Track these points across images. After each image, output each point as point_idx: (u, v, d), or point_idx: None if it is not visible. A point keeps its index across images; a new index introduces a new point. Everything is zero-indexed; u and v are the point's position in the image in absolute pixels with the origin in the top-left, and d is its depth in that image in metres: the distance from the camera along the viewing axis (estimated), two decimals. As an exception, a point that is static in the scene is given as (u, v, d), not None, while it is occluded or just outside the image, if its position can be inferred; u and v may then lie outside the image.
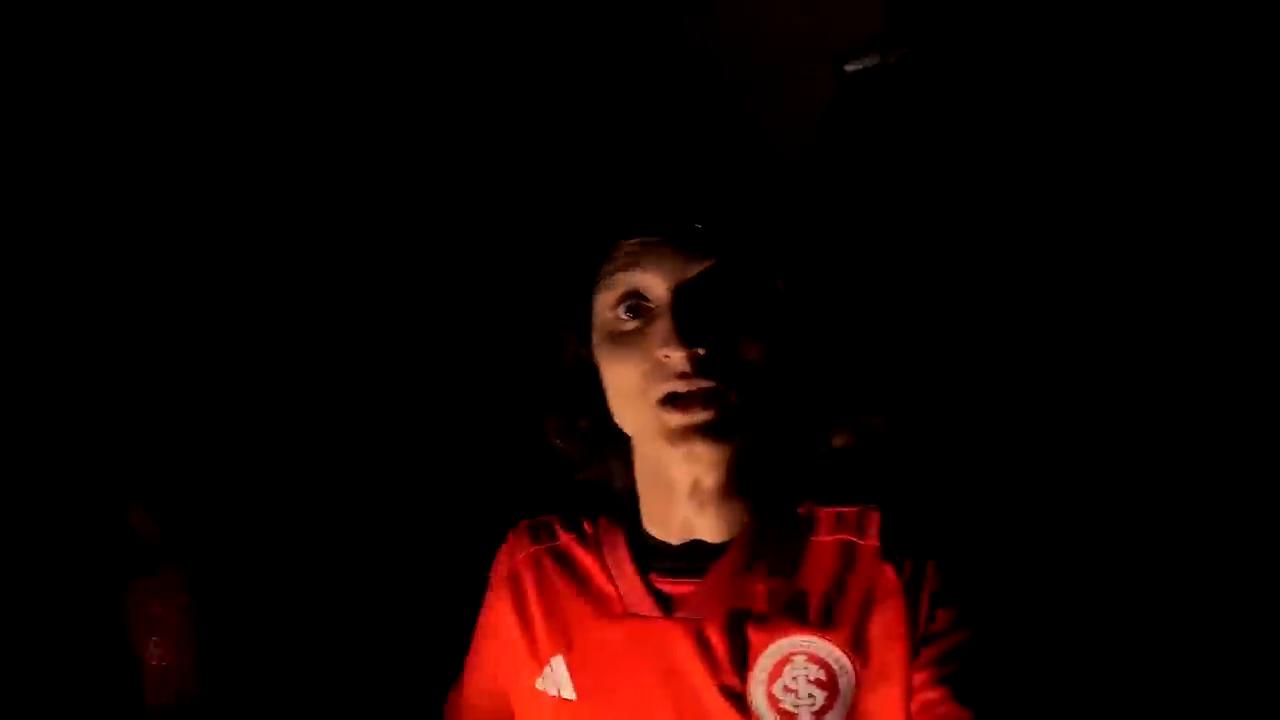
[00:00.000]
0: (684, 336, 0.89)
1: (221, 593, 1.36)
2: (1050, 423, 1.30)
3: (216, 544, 1.37)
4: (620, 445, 1.03)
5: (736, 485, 0.98)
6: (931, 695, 0.90)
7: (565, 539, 1.07)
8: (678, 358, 0.90)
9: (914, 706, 0.91)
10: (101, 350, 1.32)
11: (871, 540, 0.95)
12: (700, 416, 0.91)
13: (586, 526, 1.07)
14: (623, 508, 1.05)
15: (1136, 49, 1.28)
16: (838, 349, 0.98)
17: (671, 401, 0.91)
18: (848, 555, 0.96)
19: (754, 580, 0.97)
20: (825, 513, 0.99)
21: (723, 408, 0.91)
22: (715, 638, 0.95)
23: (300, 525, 1.41)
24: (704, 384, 0.90)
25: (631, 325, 0.94)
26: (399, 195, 1.43)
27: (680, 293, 0.91)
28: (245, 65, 1.35)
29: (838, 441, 0.99)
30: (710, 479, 0.96)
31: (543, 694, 1.01)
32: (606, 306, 0.96)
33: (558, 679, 1.00)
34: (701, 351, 0.90)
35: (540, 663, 1.02)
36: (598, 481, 1.07)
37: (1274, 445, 1.25)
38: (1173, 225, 1.29)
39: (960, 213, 1.32)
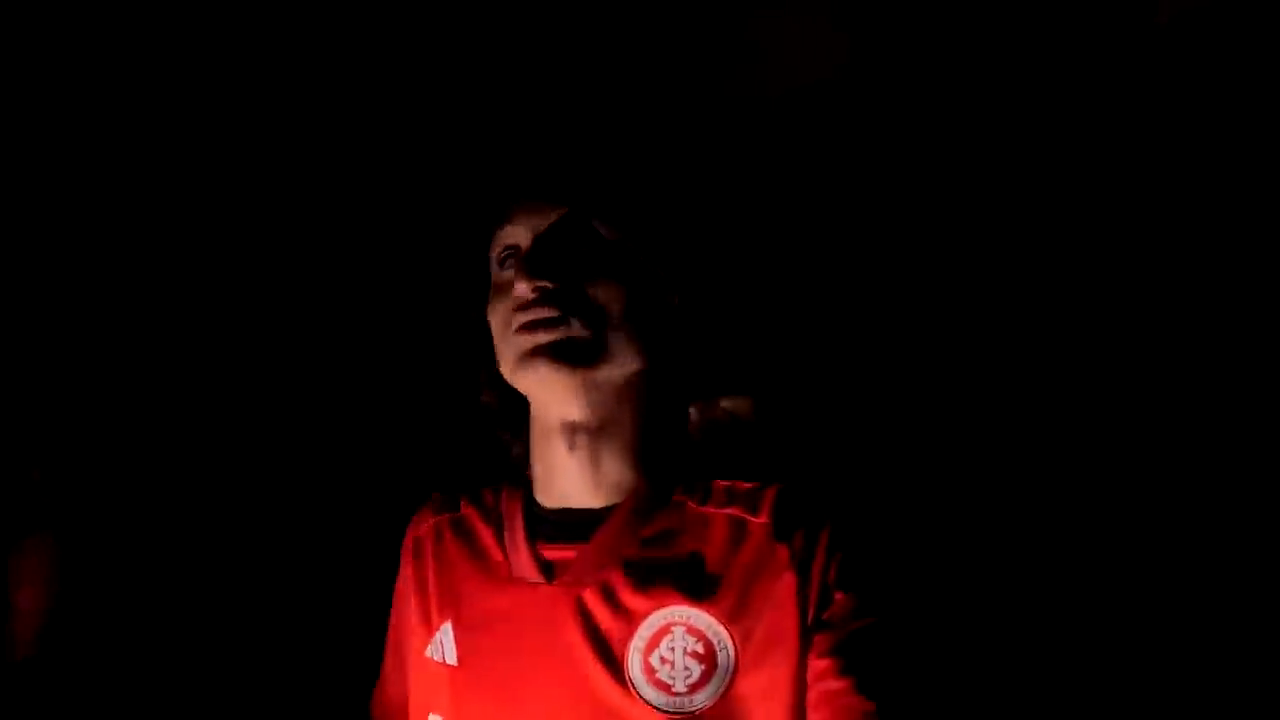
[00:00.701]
0: (530, 271, 0.93)
1: (103, 551, 1.31)
2: (969, 406, 1.28)
3: (104, 502, 1.32)
4: (520, 412, 1.03)
5: (611, 438, 0.97)
6: (834, 685, 0.87)
7: (467, 510, 1.06)
8: (523, 289, 0.93)
9: (813, 696, 0.88)
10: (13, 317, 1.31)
11: (763, 518, 0.93)
12: (543, 338, 0.92)
13: (489, 498, 1.06)
14: (524, 478, 1.04)
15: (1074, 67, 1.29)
16: (704, 327, 0.98)
17: (521, 330, 0.94)
18: (737, 530, 0.93)
19: (637, 548, 0.95)
20: (717, 486, 0.97)
21: (566, 334, 0.92)
22: (595, 605, 0.93)
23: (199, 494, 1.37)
24: (547, 312, 0.92)
25: (505, 275, 0.98)
26: (299, 166, 1.43)
27: (537, 238, 0.95)
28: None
29: (695, 419, 0.99)
30: (572, 411, 0.95)
31: (430, 661, 1.00)
32: (493, 264, 1.00)
33: (443, 645, 0.99)
34: (548, 285, 0.92)
35: (431, 630, 1.01)
36: (510, 448, 1.07)
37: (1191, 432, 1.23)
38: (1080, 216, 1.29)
39: (850, 195, 1.33)
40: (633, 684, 0.89)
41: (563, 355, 0.92)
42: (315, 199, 1.41)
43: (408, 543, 1.09)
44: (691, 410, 0.98)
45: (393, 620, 1.11)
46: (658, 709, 0.87)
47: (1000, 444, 1.25)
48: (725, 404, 0.98)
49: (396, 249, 1.42)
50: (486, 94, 1.37)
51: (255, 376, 1.39)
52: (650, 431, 0.97)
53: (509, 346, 0.95)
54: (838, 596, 0.89)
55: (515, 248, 0.97)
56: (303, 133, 1.40)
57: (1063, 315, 1.27)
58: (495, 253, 0.99)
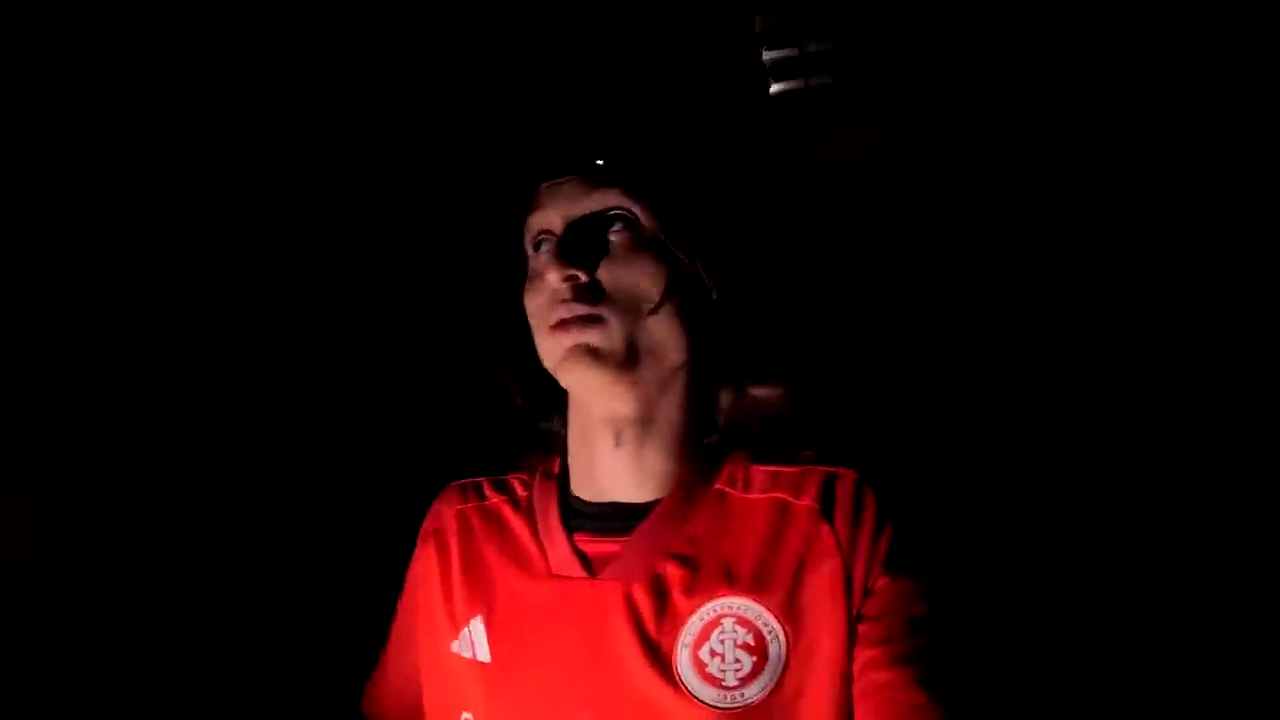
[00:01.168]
0: (564, 258, 0.90)
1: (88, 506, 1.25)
2: (1019, 395, 1.30)
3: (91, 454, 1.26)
4: (558, 395, 1.00)
5: (656, 431, 0.95)
6: (882, 676, 0.85)
7: (495, 499, 1.03)
8: (554, 279, 0.90)
9: (861, 686, 0.86)
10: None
11: (807, 500, 0.92)
12: (579, 339, 0.90)
13: (520, 489, 1.03)
14: (560, 471, 1.02)
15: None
16: (743, 318, 0.96)
17: (558, 327, 0.91)
18: (781, 515, 0.92)
19: (682, 540, 0.93)
20: (760, 471, 0.95)
21: (602, 333, 0.90)
22: (642, 600, 0.91)
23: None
24: (583, 309, 0.90)
25: (540, 260, 0.94)
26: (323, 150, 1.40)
27: (570, 225, 0.92)
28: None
29: (724, 406, 0.96)
30: (617, 407, 0.93)
31: (458, 657, 0.96)
32: (527, 247, 0.97)
33: (473, 641, 0.95)
34: (581, 276, 0.90)
35: (457, 625, 0.97)
36: (552, 432, 1.04)
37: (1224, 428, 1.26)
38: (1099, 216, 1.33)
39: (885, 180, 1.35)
40: (682, 680, 0.87)
41: (601, 356, 0.89)
42: (337, 172, 1.37)
43: (426, 531, 1.05)
44: (721, 396, 0.95)
45: (403, 611, 1.07)
46: (708, 705, 0.86)
47: (1046, 431, 1.26)
48: (756, 392, 0.95)
49: (415, 225, 1.38)
50: (522, 70, 1.34)
51: (253, 346, 1.35)
52: (693, 422, 0.95)
53: (545, 344, 0.93)
54: (884, 582, 0.88)
55: (548, 232, 0.94)
56: (327, 104, 1.36)
57: (1092, 303, 1.30)
58: (529, 238, 0.96)
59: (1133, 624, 1.21)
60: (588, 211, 0.92)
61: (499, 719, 0.93)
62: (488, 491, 1.04)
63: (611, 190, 0.92)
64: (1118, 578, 1.23)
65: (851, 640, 0.87)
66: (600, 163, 0.93)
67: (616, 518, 0.95)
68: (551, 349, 0.92)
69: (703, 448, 0.96)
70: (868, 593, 0.88)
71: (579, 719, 0.89)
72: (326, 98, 1.36)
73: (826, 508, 0.91)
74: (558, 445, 1.03)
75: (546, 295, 0.92)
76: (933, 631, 0.87)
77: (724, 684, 0.87)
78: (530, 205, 0.96)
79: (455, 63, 1.36)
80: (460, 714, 0.95)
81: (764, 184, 1.29)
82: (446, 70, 1.36)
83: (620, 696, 0.89)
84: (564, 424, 1.02)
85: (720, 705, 0.86)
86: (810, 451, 0.96)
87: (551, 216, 0.93)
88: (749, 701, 0.86)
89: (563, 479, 1.01)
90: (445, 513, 1.04)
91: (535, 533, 0.98)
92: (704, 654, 0.88)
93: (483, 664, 0.94)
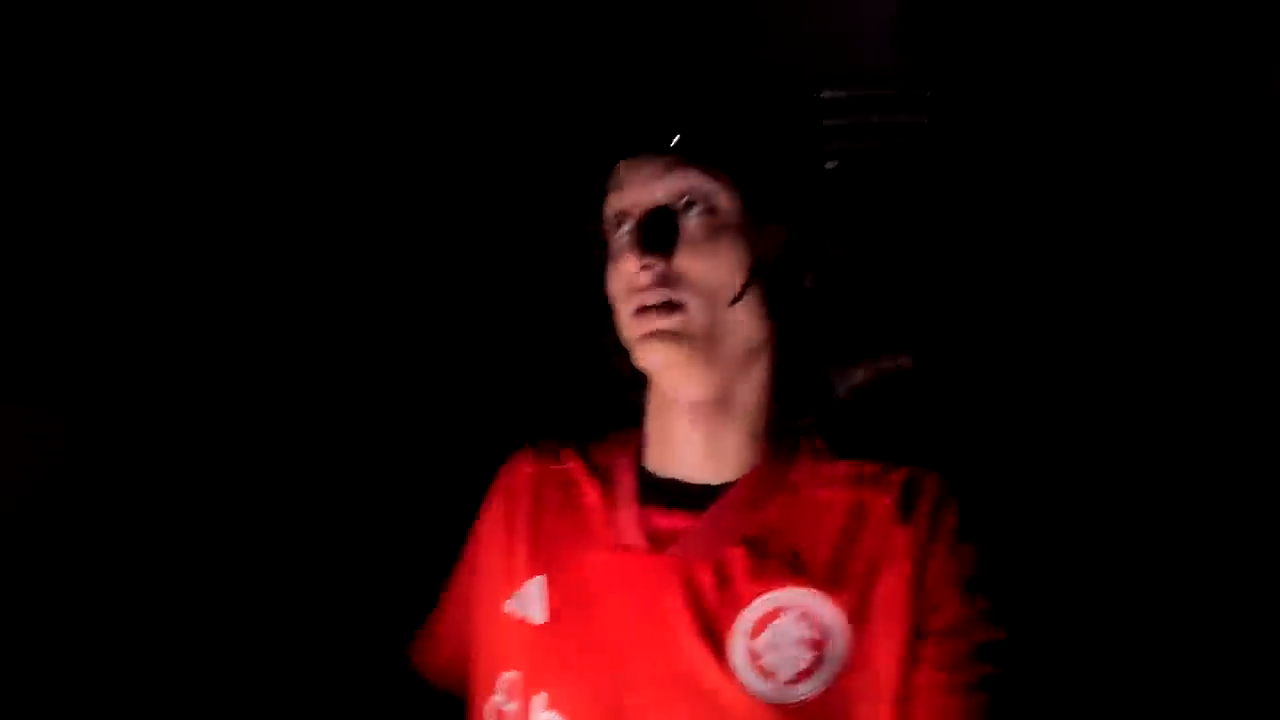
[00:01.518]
0: (644, 245, 0.89)
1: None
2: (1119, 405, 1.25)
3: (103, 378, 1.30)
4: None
5: (733, 414, 0.94)
6: (942, 702, 0.82)
7: (571, 465, 1.03)
8: (632, 267, 0.90)
9: (919, 709, 0.83)
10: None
11: (887, 500, 0.89)
12: (656, 324, 0.89)
13: (597, 457, 1.03)
14: (639, 444, 1.01)
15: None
16: (837, 292, 0.94)
17: (638, 313, 0.91)
18: (859, 514, 0.89)
19: (753, 526, 0.91)
20: (838, 465, 0.93)
21: (682, 317, 0.89)
22: (704, 580, 0.89)
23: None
24: (662, 294, 0.89)
25: (621, 241, 0.94)
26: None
27: (649, 208, 0.91)
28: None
29: (850, 382, 0.94)
30: (693, 390, 0.92)
31: (509, 617, 0.96)
32: (609, 226, 0.96)
33: (529, 601, 0.95)
34: (659, 264, 0.89)
35: (514, 583, 0.97)
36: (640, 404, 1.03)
37: None
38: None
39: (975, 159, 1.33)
40: (734, 668, 0.85)
41: (678, 338, 0.89)
42: (420, 133, 1.39)
43: (498, 486, 1.05)
44: (803, 381, 0.94)
45: (465, 564, 1.08)
46: (758, 697, 0.84)
47: (1156, 448, 1.21)
48: (840, 378, 0.94)
49: (502, 201, 1.40)
50: (604, 51, 1.35)
51: (324, 302, 1.38)
52: (776, 406, 0.94)
53: (626, 326, 0.92)
54: (955, 600, 0.85)
55: (627, 214, 0.93)
56: (405, 71, 1.38)
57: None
58: (611, 216, 0.95)
59: (1212, 655, 1.16)
60: (666, 193, 0.91)
61: (545, 682, 0.92)
62: (564, 456, 1.04)
63: (691, 170, 0.91)
64: (1198, 604, 1.17)
65: (911, 649, 0.84)
66: (679, 143, 0.91)
67: (689, 495, 0.94)
68: (630, 331, 0.92)
69: (783, 432, 0.95)
70: (936, 607, 0.85)
71: (624, 694, 0.88)
72: (402, 63, 1.39)
73: (905, 510, 0.88)
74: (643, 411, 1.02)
75: (626, 279, 0.92)
76: (1001, 660, 0.83)
77: (778, 677, 0.85)
78: (610, 184, 0.95)
79: (539, 39, 1.37)
80: (500, 674, 0.95)
81: (839, 159, 1.25)
82: (530, 45, 1.37)
83: (669, 677, 0.87)
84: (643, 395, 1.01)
85: (771, 699, 0.84)
86: (892, 449, 0.93)
87: (630, 198, 0.93)
88: (801, 698, 0.84)
89: (639, 452, 1.00)
90: (519, 472, 1.05)
91: (606, 502, 0.97)
92: (760, 644, 0.86)
93: (536, 625, 0.94)
